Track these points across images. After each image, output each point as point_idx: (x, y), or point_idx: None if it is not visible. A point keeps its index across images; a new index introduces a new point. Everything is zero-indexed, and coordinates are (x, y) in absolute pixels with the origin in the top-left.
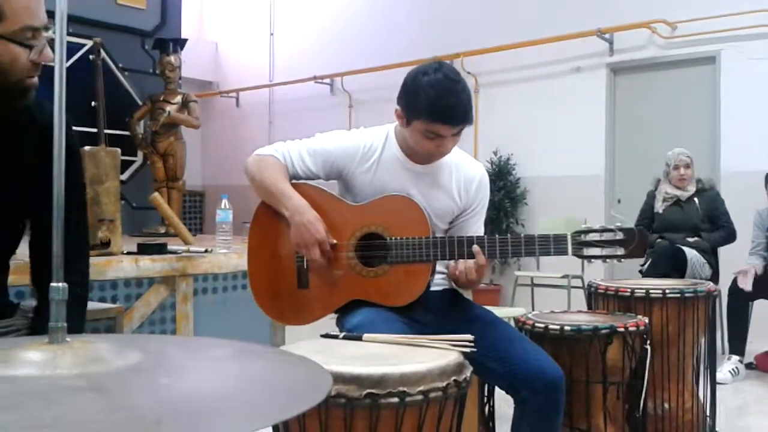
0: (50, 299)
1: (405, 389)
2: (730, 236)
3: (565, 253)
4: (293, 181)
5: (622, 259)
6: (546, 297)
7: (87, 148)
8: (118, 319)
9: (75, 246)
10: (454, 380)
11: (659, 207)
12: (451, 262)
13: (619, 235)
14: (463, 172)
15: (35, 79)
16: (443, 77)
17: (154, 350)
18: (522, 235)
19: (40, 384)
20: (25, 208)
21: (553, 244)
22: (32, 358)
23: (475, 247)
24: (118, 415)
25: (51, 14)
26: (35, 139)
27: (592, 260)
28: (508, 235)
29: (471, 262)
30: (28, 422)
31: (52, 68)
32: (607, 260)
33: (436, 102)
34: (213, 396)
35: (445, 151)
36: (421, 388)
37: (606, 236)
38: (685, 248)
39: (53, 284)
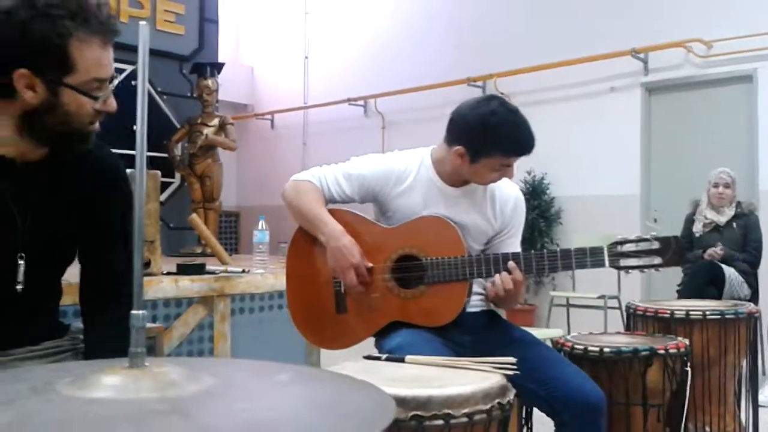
0: (131, 326)
1: (450, 411)
2: (753, 263)
3: (602, 264)
4: (328, 206)
5: (660, 269)
6: (582, 317)
7: (128, 170)
8: (158, 339)
9: (126, 271)
10: (498, 402)
11: (698, 230)
12: (488, 283)
13: (656, 245)
14: (498, 192)
15: (97, 125)
16: (508, 111)
17: (223, 374)
18: (558, 249)
19: (125, 407)
20: (76, 236)
21: (590, 257)
22: (113, 382)
23: (511, 263)
24: None
25: (127, 47)
26: (91, 174)
27: (630, 271)
28: (545, 250)
29: (506, 274)
30: None
31: None
32: (645, 270)
33: (514, 139)
34: (288, 420)
35: (508, 177)
36: (466, 410)
37: (642, 246)
38: (723, 266)
39: (134, 312)
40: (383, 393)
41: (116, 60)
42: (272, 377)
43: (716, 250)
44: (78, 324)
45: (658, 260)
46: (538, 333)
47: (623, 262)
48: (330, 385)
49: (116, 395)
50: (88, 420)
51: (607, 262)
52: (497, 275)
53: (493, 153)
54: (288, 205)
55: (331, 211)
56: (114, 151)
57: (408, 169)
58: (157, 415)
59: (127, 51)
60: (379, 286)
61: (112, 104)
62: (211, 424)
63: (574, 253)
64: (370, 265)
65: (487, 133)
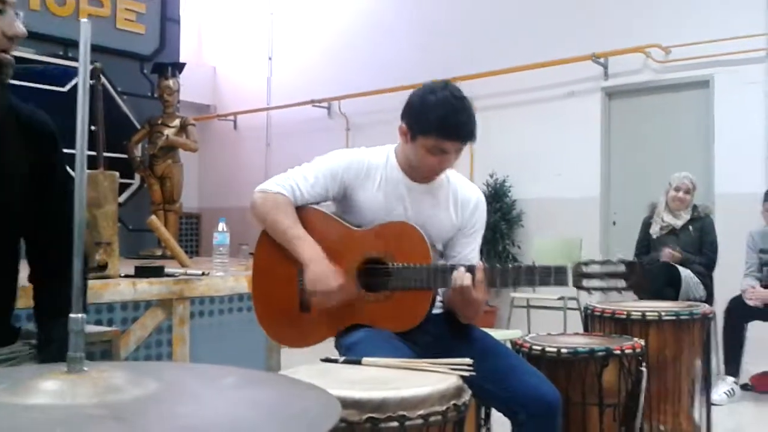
0: (69, 330)
1: (405, 413)
2: (708, 266)
3: (565, 284)
4: (309, 200)
5: (623, 292)
6: (542, 319)
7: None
8: (114, 343)
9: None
10: (454, 404)
11: (655, 233)
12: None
13: (621, 268)
14: (461, 193)
15: (9, 57)
16: (451, 96)
17: (169, 379)
18: (522, 265)
19: (62, 413)
20: (22, 199)
21: (554, 275)
22: (51, 387)
23: (479, 264)
24: None
25: (51, 38)
26: (19, 130)
27: (592, 293)
28: (509, 265)
29: (465, 271)
30: None
31: (53, 94)
32: (607, 292)
33: (445, 119)
34: (229, 425)
35: (446, 167)
36: (421, 412)
37: (607, 268)
38: (679, 267)
39: (72, 315)
40: (329, 395)
41: (75, 59)
42: (218, 381)
43: (673, 252)
44: (29, 327)
45: (621, 283)
46: (498, 334)
47: (586, 283)
48: (276, 388)
49: (52, 401)
50: (21, 427)
51: (570, 282)
52: (455, 272)
53: (428, 132)
54: (260, 220)
55: (301, 210)
56: (71, 151)
57: (374, 163)
58: (93, 421)
59: None
60: (344, 288)
61: (20, 28)
62: (148, 429)
63: (538, 271)
64: (354, 291)
65: (424, 110)
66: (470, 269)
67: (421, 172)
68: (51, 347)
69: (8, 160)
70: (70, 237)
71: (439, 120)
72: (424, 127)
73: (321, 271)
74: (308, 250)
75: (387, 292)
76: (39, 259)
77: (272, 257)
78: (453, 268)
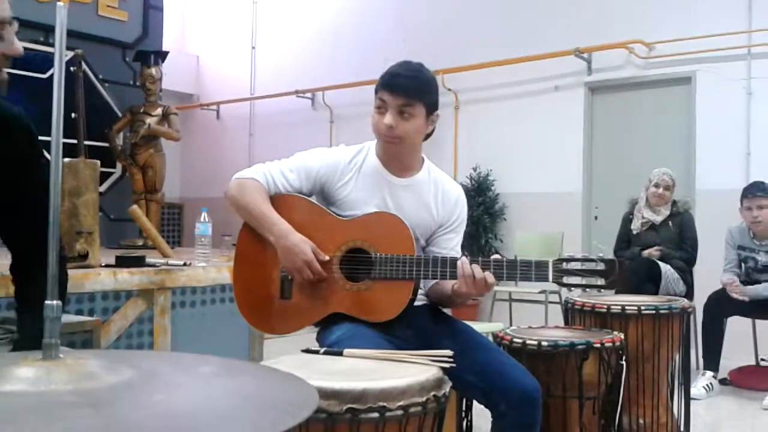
0: (45, 317)
1: (385, 404)
2: (688, 261)
3: (545, 279)
4: (282, 192)
5: (602, 290)
6: (524, 312)
7: (66, 159)
8: (95, 332)
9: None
10: (434, 395)
11: (636, 228)
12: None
13: (600, 266)
14: (441, 187)
15: (4, 74)
16: (407, 61)
17: (145, 367)
18: (504, 259)
19: (36, 400)
20: None
21: (534, 271)
22: (26, 374)
23: (463, 258)
24: (115, 431)
25: (32, 24)
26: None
27: (572, 288)
28: (491, 258)
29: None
30: None
31: (33, 80)
32: (587, 289)
33: (389, 71)
34: (205, 412)
35: (385, 123)
36: (401, 403)
37: (587, 266)
38: (659, 262)
39: (47, 302)
40: (307, 384)
41: (53, 44)
42: (195, 369)
43: (653, 251)
44: (5, 314)
45: (600, 281)
46: (479, 327)
47: (566, 279)
48: (254, 377)
49: (27, 387)
50: None
51: (550, 277)
52: (474, 265)
53: (376, 90)
54: (233, 204)
55: (285, 197)
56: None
57: (354, 161)
58: (69, 407)
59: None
60: (326, 276)
61: (18, 48)
62: (123, 416)
63: (519, 265)
64: (326, 258)
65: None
66: (452, 261)
67: (379, 139)
68: (27, 339)
69: None
70: (47, 229)
71: (385, 73)
72: (377, 85)
73: (293, 243)
74: (277, 226)
75: (368, 282)
76: (17, 250)
77: (253, 244)
78: (435, 259)
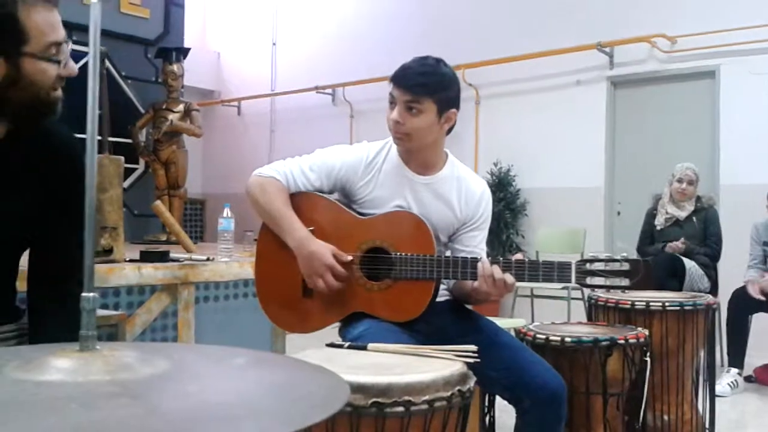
0: (81, 308)
1: (410, 398)
2: (713, 257)
3: (568, 281)
4: (302, 190)
5: (626, 291)
6: (546, 308)
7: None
8: (120, 327)
9: (79, 257)
10: (458, 390)
11: (660, 224)
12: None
13: (625, 266)
14: (465, 185)
15: (60, 92)
16: (423, 56)
17: (178, 358)
18: (526, 260)
19: (75, 390)
20: (34, 218)
21: (557, 272)
22: (64, 365)
23: (484, 261)
24: (154, 420)
25: (70, 25)
26: (48, 158)
27: (596, 290)
28: (512, 259)
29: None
30: (70, 426)
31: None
32: (611, 290)
33: (402, 66)
34: (239, 403)
35: (394, 119)
36: (426, 397)
37: (611, 266)
38: (684, 258)
39: (84, 294)
40: (338, 377)
41: (79, 43)
42: (228, 361)
43: (677, 244)
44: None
45: (625, 281)
46: (501, 323)
47: (590, 280)
48: (285, 369)
49: (66, 378)
50: (37, 402)
51: (573, 279)
52: (495, 266)
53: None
54: (253, 203)
55: (306, 196)
56: (78, 135)
57: (375, 159)
58: (108, 397)
59: (88, 33)
60: (347, 276)
61: (73, 67)
62: (161, 406)
63: (542, 266)
64: (349, 258)
65: None
66: (473, 262)
67: (418, 164)
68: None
69: (32, 186)
70: (73, 262)
71: (398, 68)
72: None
73: (313, 251)
74: (297, 233)
75: (389, 282)
76: (39, 275)
77: (275, 242)
78: (455, 260)
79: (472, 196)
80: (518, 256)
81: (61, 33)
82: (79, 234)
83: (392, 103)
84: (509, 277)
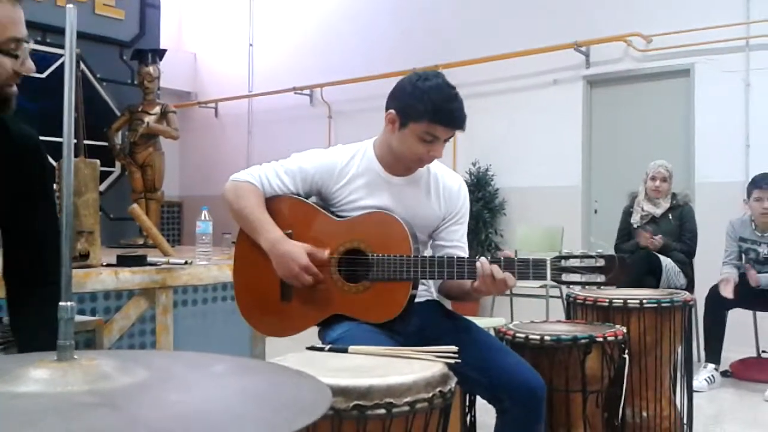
0: (59, 318)
1: (391, 400)
2: (689, 253)
3: (543, 277)
4: (278, 194)
5: (602, 287)
6: (525, 306)
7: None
8: (97, 332)
9: (54, 258)
10: (440, 391)
11: (636, 221)
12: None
13: (600, 262)
14: (442, 181)
15: (15, 88)
16: (444, 83)
17: (158, 367)
18: (501, 258)
19: (53, 400)
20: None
21: (532, 269)
22: (42, 375)
23: (483, 261)
24: (134, 430)
25: (29, 24)
26: (9, 153)
27: (571, 286)
28: (488, 256)
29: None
30: None
31: (32, 79)
32: (586, 287)
33: (440, 105)
34: (221, 411)
35: (436, 156)
36: (408, 399)
37: (586, 263)
38: (660, 256)
39: (62, 303)
40: (320, 383)
41: (53, 45)
42: (208, 369)
43: (652, 237)
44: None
45: (600, 278)
46: (481, 322)
47: (565, 277)
48: (266, 376)
49: (43, 389)
50: (13, 414)
51: (549, 276)
52: (494, 265)
53: (421, 118)
54: (228, 208)
55: (282, 199)
56: (53, 139)
57: (351, 162)
58: (86, 408)
59: (62, 35)
60: (324, 278)
61: (30, 66)
62: (141, 417)
63: (517, 264)
64: (326, 254)
65: (417, 96)
66: (449, 262)
67: (406, 163)
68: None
69: None
70: (47, 256)
71: (433, 105)
72: (417, 112)
73: (285, 251)
74: (270, 234)
75: (366, 283)
76: (15, 270)
77: (252, 247)
78: (432, 260)
79: (450, 191)
80: (506, 252)
81: (22, 30)
82: (53, 223)
83: (430, 141)
84: (510, 278)
